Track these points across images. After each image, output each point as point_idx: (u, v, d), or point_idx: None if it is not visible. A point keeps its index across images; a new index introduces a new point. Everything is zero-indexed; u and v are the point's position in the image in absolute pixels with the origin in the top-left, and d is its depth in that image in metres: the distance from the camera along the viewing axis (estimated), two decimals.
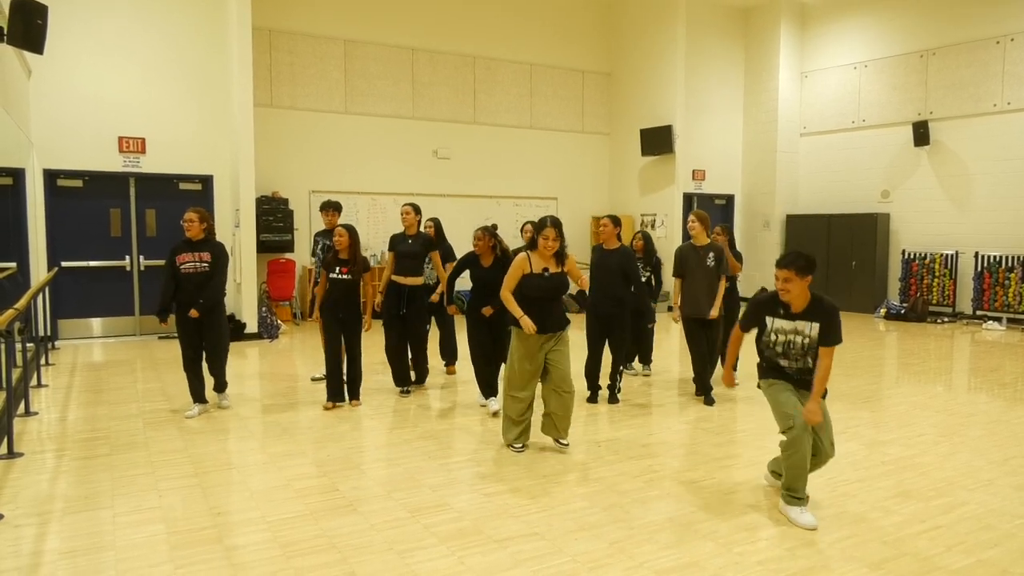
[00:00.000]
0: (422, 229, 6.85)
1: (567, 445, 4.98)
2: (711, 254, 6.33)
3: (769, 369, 3.98)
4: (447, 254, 7.16)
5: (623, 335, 6.24)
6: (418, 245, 6.50)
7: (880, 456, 4.90)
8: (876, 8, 13.13)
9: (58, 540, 3.52)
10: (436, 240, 6.86)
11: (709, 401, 6.30)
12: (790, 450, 3.73)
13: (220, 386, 6.15)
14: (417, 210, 6.61)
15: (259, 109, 10.18)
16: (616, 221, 6.23)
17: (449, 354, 7.49)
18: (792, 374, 3.89)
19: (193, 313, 5.69)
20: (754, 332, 4.06)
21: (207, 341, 5.89)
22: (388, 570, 3.22)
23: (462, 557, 3.34)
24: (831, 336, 3.72)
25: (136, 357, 8.51)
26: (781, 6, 13.91)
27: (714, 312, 6.29)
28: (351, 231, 6.04)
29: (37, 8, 6.05)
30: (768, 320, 3.87)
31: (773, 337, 3.87)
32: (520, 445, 4.94)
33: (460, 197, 12.69)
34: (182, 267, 5.75)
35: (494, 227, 6.06)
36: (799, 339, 3.79)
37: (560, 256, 4.87)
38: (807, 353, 3.80)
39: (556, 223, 4.85)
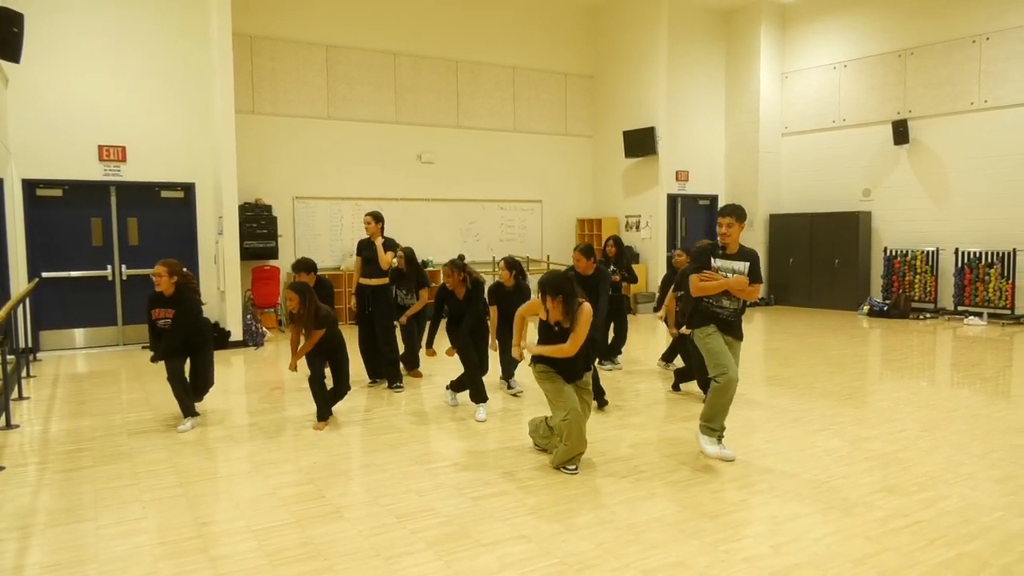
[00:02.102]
0: (393, 260, 6.92)
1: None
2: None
3: (705, 318, 4.67)
4: (421, 283, 7.35)
5: (593, 346, 6.28)
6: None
7: (863, 452, 4.95)
8: (855, 9, 13.27)
9: (40, 554, 3.49)
10: (408, 270, 7.09)
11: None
12: (718, 393, 4.58)
13: (189, 411, 5.78)
14: (377, 218, 6.92)
15: (241, 116, 10.12)
16: (588, 253, 6.31)
17: (412, 362, 7.53)
18: (727, 316, 4.61)
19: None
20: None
21: (195, 373, 5.84)
22: None
23: (449, 561, 3.34)
24: (755, 274, 4.63)
25: (120, 367, 8.44)
26: (761, 8, 14.03)
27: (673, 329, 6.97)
28: (302, 293, 5.59)
29: (13, 16, 6.00)
30: (712, 260, 4.66)
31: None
32: (574, 467, 4.60)
33: (444, 201, 12.70)
34: (158, 322, 5.70)
35: (461, 258, 6.23)
36: (734, 276, 4.62)
37: (571, 313, 4.51)
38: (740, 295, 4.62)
39: (552, 289, 4.48)
